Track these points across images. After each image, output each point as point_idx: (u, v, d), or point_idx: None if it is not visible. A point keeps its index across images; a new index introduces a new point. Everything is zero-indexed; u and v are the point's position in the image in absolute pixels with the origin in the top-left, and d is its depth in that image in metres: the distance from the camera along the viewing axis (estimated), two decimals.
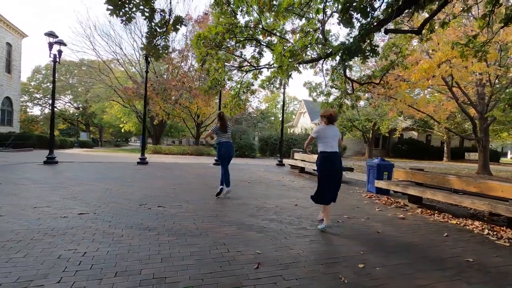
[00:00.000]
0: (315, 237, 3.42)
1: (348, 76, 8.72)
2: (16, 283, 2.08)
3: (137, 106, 24.02)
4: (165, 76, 21.46)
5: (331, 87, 9.95)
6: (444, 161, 26.85)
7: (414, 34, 5.56)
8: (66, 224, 3.43)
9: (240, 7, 6.86)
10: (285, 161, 12.94)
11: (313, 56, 8.00)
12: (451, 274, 2.57)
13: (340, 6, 3.14)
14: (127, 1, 3.44)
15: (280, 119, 52.67)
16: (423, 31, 5.51)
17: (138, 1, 3.45)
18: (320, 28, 5.51)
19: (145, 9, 3.45)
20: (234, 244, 3.06)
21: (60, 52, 9.94)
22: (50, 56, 9.45)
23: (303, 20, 7.77)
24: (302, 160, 10.59)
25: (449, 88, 12.19)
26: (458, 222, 4.39)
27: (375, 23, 3.73)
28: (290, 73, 5.48)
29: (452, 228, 4.08)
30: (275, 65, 5.37)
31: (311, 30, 5.37)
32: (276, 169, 11.64)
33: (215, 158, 12.60)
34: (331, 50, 7.30)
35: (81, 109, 43.20)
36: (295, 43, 5.32)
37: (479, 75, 11.70)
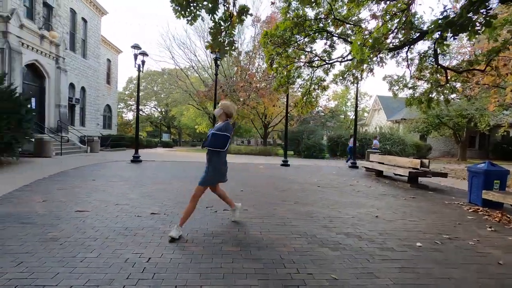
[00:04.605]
0: (407, 263, 2.73)
1: (441, 63, 7.32)
2: (85, 286, 2.09)
3: (209, 108, 25.49)
4: (233, 78, 22.21)
5: (418, 78, 8.59)
6: None
7: None
8: (139, 224, 3.54)
9: None
10: (359, 162, 11.82)
11: (395, 44, 6.94)
12: None
13: None
14: (192, 0, 3.36)
15: (351, 117, 48.99)
16: None
17: None
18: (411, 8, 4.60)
19: (209, 4, 3.30)
20: (304, 262, 2.63)
21: (143, 62, 11.05)
22: (135, 66, 10.59)
23: (382, 3, 6.79)
24: (379, 163, 9.42)
25: None
26: None
27: None
28: (372, 66, 4.73)
29: None
30: (354, 58, 4.61)
31: (397, 12, 4.52)
32: (349, 171, 10.66)
33: (283, 159, 12.28)
34: (419, 33, 6.16)
35: (163, 113, 48.75)
36: (378, 29, 4.52)
37: None
